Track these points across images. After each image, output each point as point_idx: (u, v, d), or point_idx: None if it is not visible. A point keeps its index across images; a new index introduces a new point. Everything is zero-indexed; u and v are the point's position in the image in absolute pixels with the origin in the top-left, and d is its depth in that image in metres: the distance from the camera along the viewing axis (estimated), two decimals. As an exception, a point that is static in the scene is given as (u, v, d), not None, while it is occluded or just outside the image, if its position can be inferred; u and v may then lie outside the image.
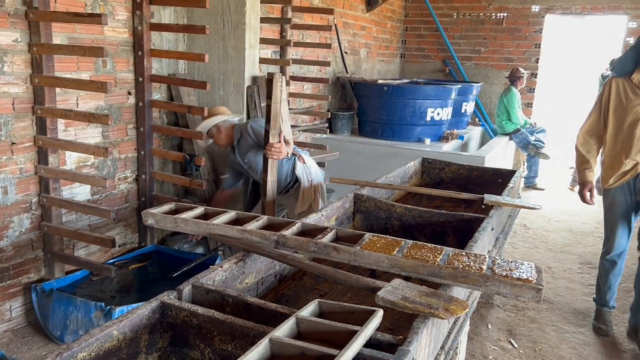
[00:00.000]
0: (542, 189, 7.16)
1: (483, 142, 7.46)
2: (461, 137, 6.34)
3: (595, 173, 3.49)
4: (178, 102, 3.73)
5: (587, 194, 3.40)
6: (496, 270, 1.77)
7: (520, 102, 7.08)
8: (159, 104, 3.46)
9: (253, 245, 1.98)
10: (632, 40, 7.13)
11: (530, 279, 1.71)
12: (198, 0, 3.16)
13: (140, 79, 3.33)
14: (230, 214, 2.22)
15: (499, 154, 6.54)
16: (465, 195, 3.06)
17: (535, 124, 7.46)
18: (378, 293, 1.62)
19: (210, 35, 3.71)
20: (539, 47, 7.66)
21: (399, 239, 2.03)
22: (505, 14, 7.70)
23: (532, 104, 7.89)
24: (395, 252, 1.89)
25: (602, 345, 3.25)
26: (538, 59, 7.71)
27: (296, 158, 3.47)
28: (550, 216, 5.92)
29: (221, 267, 1.82)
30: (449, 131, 6.20)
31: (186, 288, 1.65)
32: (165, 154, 3.58)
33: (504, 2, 7.70)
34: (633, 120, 3.10)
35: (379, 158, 5.58)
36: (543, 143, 7.03)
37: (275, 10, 4.84)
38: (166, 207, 2.28)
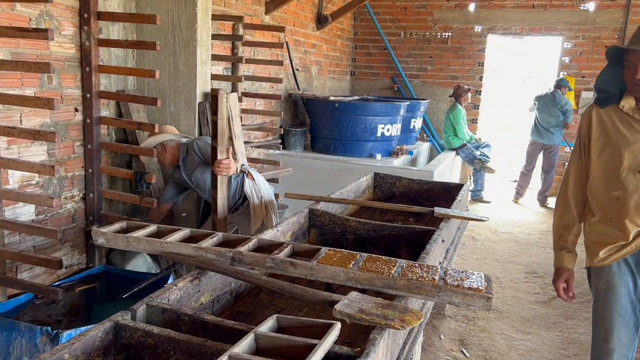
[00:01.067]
0: (488, 202, 7.42)
1: (431, 157, 7.67)
2: (410, 153, 6.50)
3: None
4: (127, 119, 3.66)
5: (562, 286, 2.38)
6: (448, 281, 1.83)
7: (466, 118, 7.35)
8: (108, 120, 3.39)
9: (208, 262, 1.97)
10: (567, 60, 7.58)
11: (480, 288, 1.78)
12: (148, 16, 3.13)
13: (88, 96, 3.25)
14: (184, 232, 2.19)
15: (447, 169, 6.75)
16: (416, 209, 3.15)
17: (480, 139, 7.75)
18: (335, 306, 1.64)
19: (161, 51, 3.67)
20: (482, 66, 8.00)
21: (354, 252, 2.06)
22: (449, 34, 8.01)
23: (477, 120, 8.20)
24: (351, 265, 1.92)
25: (548, 352, 3.38)
26: (482, 77, 8.04)
27: (244, 175, 3.45)
28: (497, 228, 6.14)
29: (176, 285, 1.80)
30: (398, 147, 6.35)
31: (140, 308, 1.62)
32: (114, 171, 3.49)
33: (449, 22, 8.01)
34: (633, 166, 2.11)
35: (332, 173, 5.64)
36: (488, 157, 7.31)
37: (226, 27, 4.85)
38: (117, 226, 2.23)
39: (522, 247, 5.48)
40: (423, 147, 7.64)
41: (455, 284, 1.81)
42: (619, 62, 2.12)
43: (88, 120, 3.28)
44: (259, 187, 3.48)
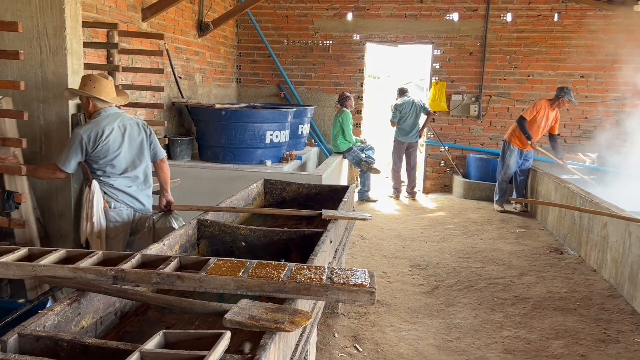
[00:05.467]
0: (375, 201, 7.77)
1: (320, 161, 7.87)
2: (300, 158, 6.62)
3: None
4: (-10, 134, 3.33)
5: None
6: (335, 279, 1.90)
7: (352, 123, 7.65)
8: (-35, 136, 3.07)
9: (88, 283, 1.86)
10: (438, 66, 8.18)
11: (364, 283, 1.87)
12: (8, 23, 2.90)
13: (-61, 110, 2.92)
14: (60, 253, 2.06)
15: (335, 172, 6.96)
16: (305, 212, 3.22)
17: (365, 141, 8.11)
18: (225, 316, 1.64)
19: (26, 60, 3.40)
20: (362, 72, 8.37)
21: (244, 260, 2.07)
22: (330, 42, 8.29)
23: (360, 124, 8.55)
24: (240, 273, 1.93)
25: (433, 338, 3.62)
26: (362, 83, 8.41)
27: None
28: (383, 225, 6.45)
29: (52, 310, 1.68)
30: (288, 152, 6.43)
31: (11, 338, 1.50)
32: (-25, 192, 3.16)
33: (329, 31, 8.28)
34: None
35: (222, 182, 5.56)
36: (373, 159, 7.67)
37: (100, 34, 4.61)
38: (-20, 252, 2.03)
39: (406, 242, 5.81)
40: (312, 152, 7.81)
41: (342, 281, 1.89)
42: None
43: (-60, 138, 2.95)
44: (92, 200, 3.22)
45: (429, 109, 7.91)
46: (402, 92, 7.92)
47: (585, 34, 7.75)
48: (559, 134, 7.08)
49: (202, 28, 6.89)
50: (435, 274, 4.80)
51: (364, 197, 7.77)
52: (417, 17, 8.08)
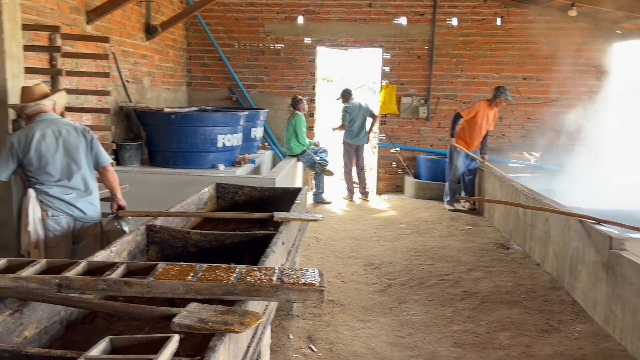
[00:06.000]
0: (329, 203, 7.84)
1: (274, 164, 7.87)
2: (253, 161, 6.60)
3: None
4: None
5: None
6: (285, 280, 1.93)
7: (305, 126, 7.69)
8: None
9: (30, 292, 1.81)
10: (387, 69, 8.33)
11: (314, 282, 1.91)
12: (-60, 24, 2.77)
13: None
14: (1, 262, 1.99)
15: (289, 174, 6.98)
16: (257, 215, 3.23)
17: (318, 143, 8.17)
18: (173, 319, 1.63)
19: (-40, 64, 3.26)
20: (314, 76, 8.44)
21: (193, 264, 2.06)
22: (282, 45, 8.31)
23: (313, 127, 8.61)
24: (189, 277, 1.92)
25: (386, 336, 3.69)
26: (314, 86, 8.48)
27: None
28: (337, 227, 6.52)
29: (-8, 322, 1.63)
30: (241, 156, 6.41)
31: (-53, 353, 1.44)
32: None
33: (280, 34, 8.30)
34: None
35: (173, 187, 5.48)
36: (327, 161, 7.74)
37: (41, 37, 4.46)
38: None
39: (360, 242, 5.89)
40: (266, 155, 7.81)
41: (292, 281, 1.92)
42: None
43: None
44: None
45: (374, 112, 8.06)
46: (346, 94, 8.00)
47: (526, 38, 8.08)
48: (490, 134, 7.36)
49: (150, 31, 6.77)
50: (388, 273, 4.90)
51: (318, 199, 7.82)
52: (367, 21, 8.21)
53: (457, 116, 7.03)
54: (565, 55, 8.04)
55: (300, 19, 8.25)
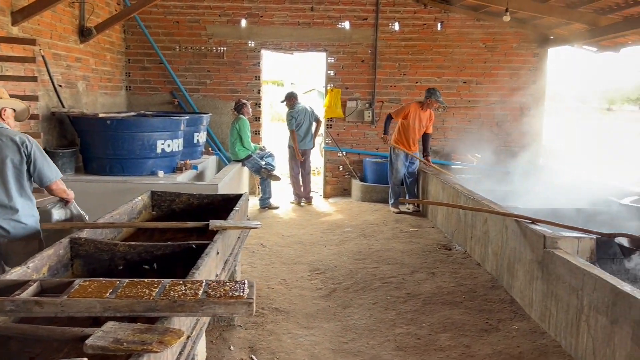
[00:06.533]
0: (276, 208, 7.75)
1: (219, 170, 7.71)
2: (195, 167, 6.44)
3: None
4: None
5: None
6: (212, 293, 1.84)
7: (250, 130, 7.58)
8: None
9: None
10: (332, 73, 8.35)
11: (242, 295, 1.83)
12: None
13: None
14: None
15: (234, 180, 6.86)
16: (191, 224, 3.12)
17: (264, 147, 8.08)
18: (86, 341, 1.52)
19: None
20: (259, 79, 8.34)
21: (114, 279, 1.95)
22: (225, 48, 8.17)
23: (259, 131, 8.51)
24: (108, 294, 1.80)
25: (329, 342, 3.65)
26: (259, 90, 8.38)
27: None
28: (284, 232, 6.44)
29: None
30: (182, 162, 6.23)
31: None
32: None
33: (223, 37, 8.16)
34: None
35: (110, 196, 5.25)
36: (273, 166, 7.65)
37: (-41, 38, 4.17)
38: None
39: (306, 247, 5.84)
40: (210, 161, 7.64)
41: (218, 295, 1.83)
42: None
43: None
44: None
45: (319, 116, 8.06)
46: (291, 98, 7.92)
47: (466, 42, 8.29)
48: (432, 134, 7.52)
49: (85, 33, 6.49)
50: (333, 277, 4.87)
51: (265, 205, 7.72)
52: (310, 25, 8.20)
53: (389, 117, 7.23)
54: (502, 59, 8.32)
55: (243, 22, 8.14)
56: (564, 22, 7.28)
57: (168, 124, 5.95)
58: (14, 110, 3.35)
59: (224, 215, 3.77)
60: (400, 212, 7.28)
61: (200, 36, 8.15)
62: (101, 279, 1.94)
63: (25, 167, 3.09)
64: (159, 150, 5.82)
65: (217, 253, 2.76)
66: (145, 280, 1.93)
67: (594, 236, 3.90)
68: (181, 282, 1.93)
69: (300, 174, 8.08)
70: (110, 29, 7.08)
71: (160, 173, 5.82)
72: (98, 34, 6.66)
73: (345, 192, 8.66)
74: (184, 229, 3.54)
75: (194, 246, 2.69)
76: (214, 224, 3.02)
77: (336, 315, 4.07)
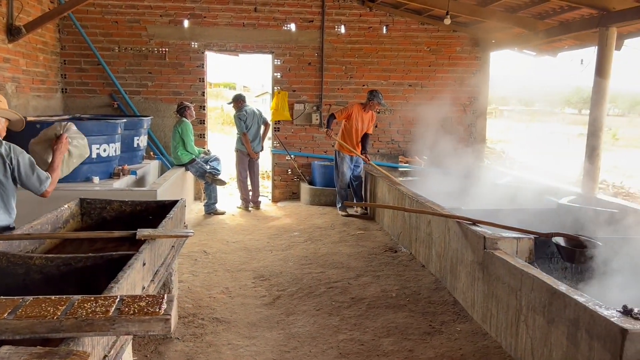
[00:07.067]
0: (222, 213, 7.55)
1: (162, 174, 7.45)
2: (133, 173, 6.18)
3: None
4: None
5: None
6: (125, 310, 1.69)
7: (193, 133, 7.36)
8: None
9: None
10: (279, 75, 8.23)
11: (157, 311, 1.69)
12: None
13: None
14: None
15: (176, 186, 6.63)
16: (116, 234, 2.93)
17: (209, 151, 7.87)
18: (-29, 372, 1.34)
19: None
20: (203, 81, 8.12)
21: (16, 297, 1.76)
22: (167, 49, 7.91)
23: (204, 134, 8.29)
24: (6, 314, 1.62)
25: (271, 352, 3.53)
26: (204, 92, 8.16)
27: None
28: (229, 238, 6.27)
29: None
30: (120, 167, 5.97)
31: None
32: None
33: (164, 38, 7.90)
34: None
35: (39, 204, 4.90)
36: (219, 170, 7.46)
37: None
38: None
39: (252, 254, 5.69)
40: (151, 166, 7.37)
41: (133, 311, 1.69)
42: None
43: None
44: None
45: (267, 119, 7.94)
46: (239, 100, 7.75)
47: (411, 46, 8.37)
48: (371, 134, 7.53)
49: (13, 32, 6.11)
50: (277, 284, 4.75)
51: (211, 210, 7.51)
52: (256, 27, 8.06)
53: (332, 116, 7.21)
54: (447, 62, 8.44)
55: (186, 23, 7.92)
56: (504, 26, 7.45)
57: (103, 127, 5.68)
58: (9, 120, 3.22)
59: (158, 223, 3.59)
60: (348, 215, 7.24)
61: (141, 37, 7.87)
62: (2, 297, 1.75)
63: (10, 180, 3.08)
64: (93, 156, 5.53)
65: (144, 264, 2.59)
66: (53, 297, 1.76)
67: (532, 236, 3.96)
68: (92, 298, 1.77)
69: (248, 178, 7.92)
70: (43, 28, 6.72)
71: (96, 179, 5.54)
72: (29, 33, 6.29)
73: (294, 196, 8.56)
74: (116, 239, 3.34)
75: (116, 257, 2.52)
76: (142, 232, 2.84)
77: (279, 324, 3.96)
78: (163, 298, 1.79)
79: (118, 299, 1.77)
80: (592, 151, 5.79)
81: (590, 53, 6.64)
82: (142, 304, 1.75)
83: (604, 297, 3.09)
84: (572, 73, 7.27)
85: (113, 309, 1.69)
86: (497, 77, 8.39)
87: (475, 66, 8.54)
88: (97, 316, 1.64)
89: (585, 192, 5.74)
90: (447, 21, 6.24)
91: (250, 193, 7.98)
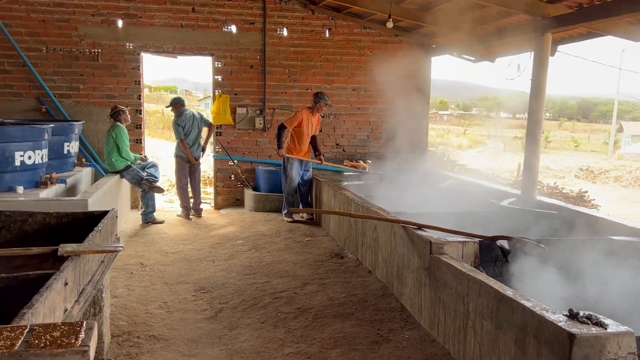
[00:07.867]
0: (161, 222, 7.21)
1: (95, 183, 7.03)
2: (62, 181, 5.78)
3: None
4: None
5: None
6: (34, 342, 1.47)
7: (128, 139, 6.99)
8: None
9: None
10: (220, 78, 7.99)
11: (74, 342, 1.48)
12: None
13: None
14: None
15: (111, 195, 6.26)
16: (35, 250, 2.65)
17: (146, 157, 7.51)
18: None
19: None
20: (139, 84, 7.76)
21: None
22: (99, 50, 7.50)
23: (141, 140, 7.92)
24: None
25: (214, 368, 3.33)
26: (140, 96, 7.80)
27: None
28: (168, 249, 5.97)
29: None
30: (47, 175, 5.56)
31: None
32: None
33: (97, 39, 7.49)
34: None
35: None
36: (156, 177, 7.12)
37: None
38: None
39: (193, 265, 5.43)
40: (84, 173, 6.96)
41: (44, 344, 1.46)
42: None
43: None
44: None
45: (210, 121, 7.67)
46: (177, 104, 7.43)
47: (353, 50, 8.35)
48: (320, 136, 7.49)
49: None
50: (220, 296, 4.53)
51: (148, 219, 7.15)
52: (195, 28, 7.79)
53: (282, 127, 6.98)
54: (389, 67, 8.47)
55: (120, 23, 7.54)
56: (444, 31, 7.56)
57: (28, 133, 5.27)
58: None
59: (87, 236, 3.31)
60: (294, 222, 7.10)
61: (71, 37, 7.43)
62: None
63: None
64: (17, 163, 5.13)
65: (66, 284, 2.34)
66: (-54, 331, 1.51)
67: (477, 240, 3.95)
68: (-4, 330, 1.53)
69: (188, 185, 7.61)
70: (-42, 25, 6.19)
71: (20, 189, 5.13)
72: (-59, 31, 5.77)
73: (238, 203, 8.33)
74: (37, 255, 3.03)
75: (32, 277, 2.25)
76: (64, 248, 2.57)
77: (221, 339, 3.75)
78: (81, 326, 1.57)
79: (27, 329, 1.54)
80: (530, 153, 5.93)
81: (525, 59, 6.84)
82: (56, 334, 1.53)
83: (544, 298, 3.10)
84: (508, 78, 7.46)
85: (20, 342, 1.47)
86: (441, 83, 8.52)
87: (417, 70, 8.62)
88: (1, 351, 1.41)
89: (524, 194, 5.86)
90: (390, 24, 6.24)
91: (191, 200, 7.68)
